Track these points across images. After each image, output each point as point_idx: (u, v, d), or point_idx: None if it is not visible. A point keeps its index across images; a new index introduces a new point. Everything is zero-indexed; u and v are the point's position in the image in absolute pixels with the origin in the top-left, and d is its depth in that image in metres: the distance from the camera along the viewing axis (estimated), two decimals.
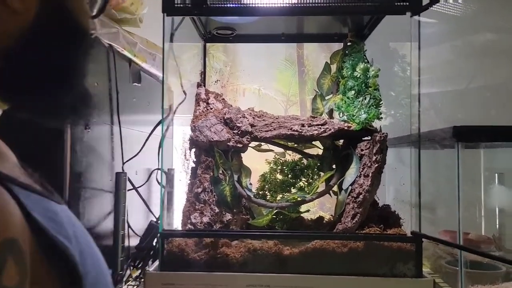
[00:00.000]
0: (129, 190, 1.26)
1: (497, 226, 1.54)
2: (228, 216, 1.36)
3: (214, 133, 1.39)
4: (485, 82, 1.83)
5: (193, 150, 1.45)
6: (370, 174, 1.20)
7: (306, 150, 1.61)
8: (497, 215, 1.54)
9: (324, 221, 1.57)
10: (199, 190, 1.35)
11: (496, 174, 1.53)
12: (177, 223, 1.33)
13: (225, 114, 1.44)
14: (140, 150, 1.32)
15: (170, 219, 1.32)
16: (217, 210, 1.34)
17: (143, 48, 1.44)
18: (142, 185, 1.34)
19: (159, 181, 1.38)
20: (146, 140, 1.34)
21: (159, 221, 1.27)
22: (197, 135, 1.40)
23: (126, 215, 1.17)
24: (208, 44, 1.74)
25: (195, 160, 1.45)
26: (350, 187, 1.32)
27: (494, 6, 1.70)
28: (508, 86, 1.78)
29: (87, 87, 0.61)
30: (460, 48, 1.89)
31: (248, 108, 1.52)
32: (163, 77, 1.18)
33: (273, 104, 1.87)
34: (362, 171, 1.27)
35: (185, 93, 1.43)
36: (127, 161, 1.28)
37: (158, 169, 1.33)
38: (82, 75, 0.61)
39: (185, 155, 1.35)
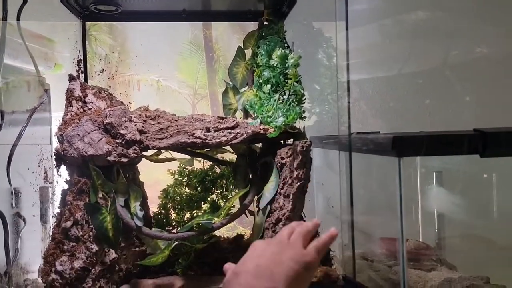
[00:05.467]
0: None
1: (436, 230, 1.38)
2: (113, 255, 1.03)
3: (88, 144, 1.03)
4: (418, 67, 1.64)
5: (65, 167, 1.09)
6: (291, 196, 0.93)
7: (220, 155, 1.32)
8: (436, 219, 1.38)
9: (244, 240, 1.29)
10: (69, 223, 1.00)
11: (434, 173, 1.35)
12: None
13: (105, 117, 1.08)
14: None
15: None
16: (96, 249, 1.00)
17: None
18: None
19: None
20: None
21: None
22: (65, 147, 1.04)
23: None
24: (88, 24, 1.35)
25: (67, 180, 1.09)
26: (269, 206, 1.04)
27: None
28: (441, 72, 1.60)
29: None
30: (390, 28, 1.68)
31: (140, 108, 1.18)
32: None
33: (177, 98, 1.54)
34: (282, 188, 1.00)
35: (45, 90, 1.05)
36: None
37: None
38: None
39: (45, 177, 0.99)
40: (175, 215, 1.29)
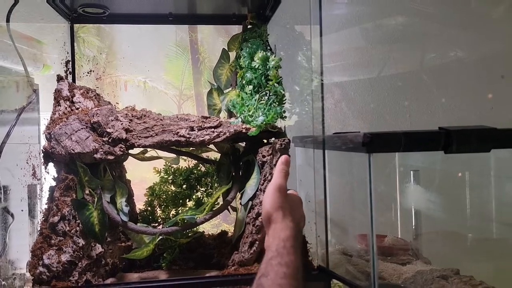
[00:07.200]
0: None
1: (413, 227, 1.43)
2: (99, 249, 1.06)
3: (75, 142, 1.07)
4: (396, 70, 1.70)
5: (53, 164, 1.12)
6: None
7: (204, 154, 1.36)
8: (413, 215, 1.43)
9: (228, 236, 1.33)
10: (56, 218, 1.03)
11: (412, 172, 1.41)
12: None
13: (92, 116, 1.12)
14: None
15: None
16: (82, 243, 1.03)
17: None
18: None
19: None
20: None
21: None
22: (52, 145, 1.07)
23: None
24: (76, 26, 1.39)
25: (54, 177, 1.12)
26: (250, 202, 1.09)
27: None
28: (419, 74, 1.66)
29: None
30: (370, 32, 1.74)
31: (126, 107, 1.22)
32: None
33: (164, 99, 1.58)
34: (262, 185, 1.05)
35: (34, 90, 1.08)
36: None
37: None
38: None
39: (34, 173, 1.02)
40: (160, 212, 1.33)
